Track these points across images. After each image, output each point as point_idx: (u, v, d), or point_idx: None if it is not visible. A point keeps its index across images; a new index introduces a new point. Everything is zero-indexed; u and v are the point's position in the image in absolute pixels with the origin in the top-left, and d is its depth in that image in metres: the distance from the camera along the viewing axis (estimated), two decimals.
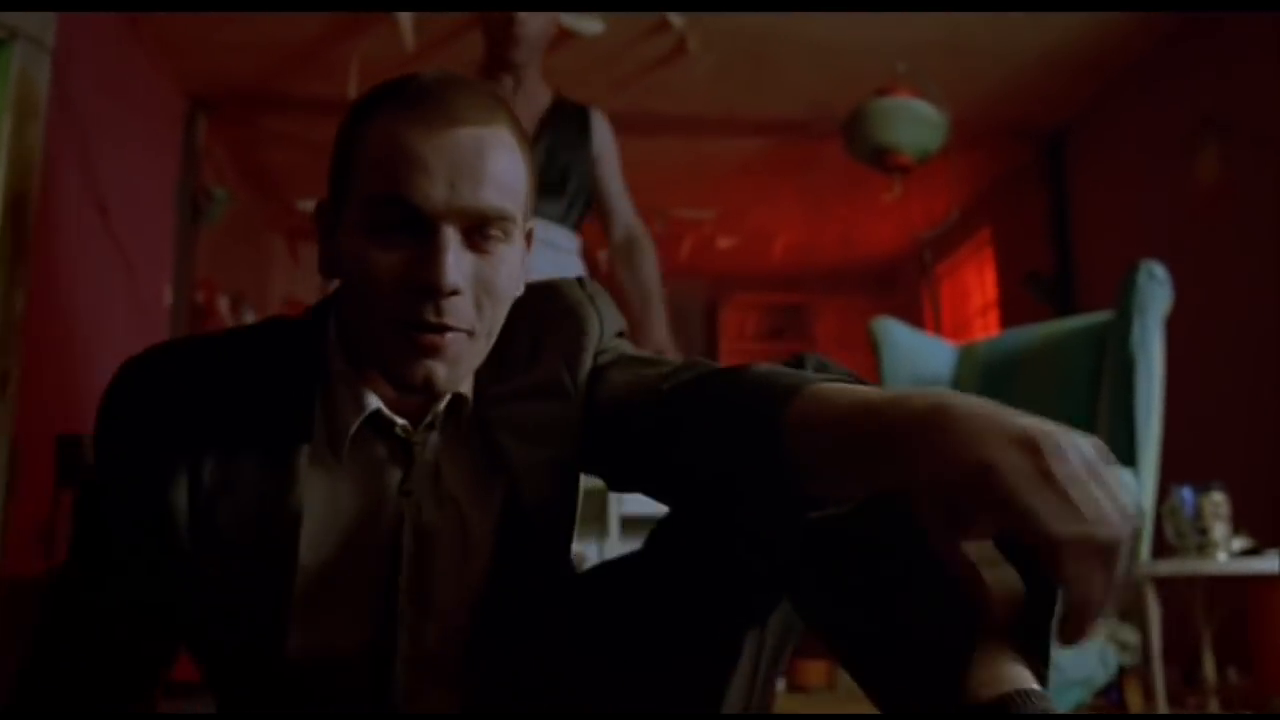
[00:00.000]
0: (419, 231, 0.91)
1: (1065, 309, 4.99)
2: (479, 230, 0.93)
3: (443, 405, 1.00)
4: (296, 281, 6.53)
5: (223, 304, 5.05)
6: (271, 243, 6.43)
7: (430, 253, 0.90)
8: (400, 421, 0.99)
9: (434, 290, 0.90)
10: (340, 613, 0.97)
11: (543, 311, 1.08)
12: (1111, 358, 2.67)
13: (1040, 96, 4.89)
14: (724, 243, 6.69)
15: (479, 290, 0.94)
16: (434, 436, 1.01)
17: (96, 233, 3.92)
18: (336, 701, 0.98)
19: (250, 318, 5.48)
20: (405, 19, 4.02)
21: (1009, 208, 5.76)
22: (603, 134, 2.65)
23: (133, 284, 4.26)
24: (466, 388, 1.02)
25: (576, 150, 2.57)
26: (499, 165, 0.93)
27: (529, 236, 1.02)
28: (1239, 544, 2.61)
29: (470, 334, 0.94)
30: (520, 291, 1.01)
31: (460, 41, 4.24)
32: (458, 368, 0.94)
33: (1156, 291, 2.61)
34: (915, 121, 4.00)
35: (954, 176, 5.36)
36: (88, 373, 3.86)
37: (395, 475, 1.00)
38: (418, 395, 0.96)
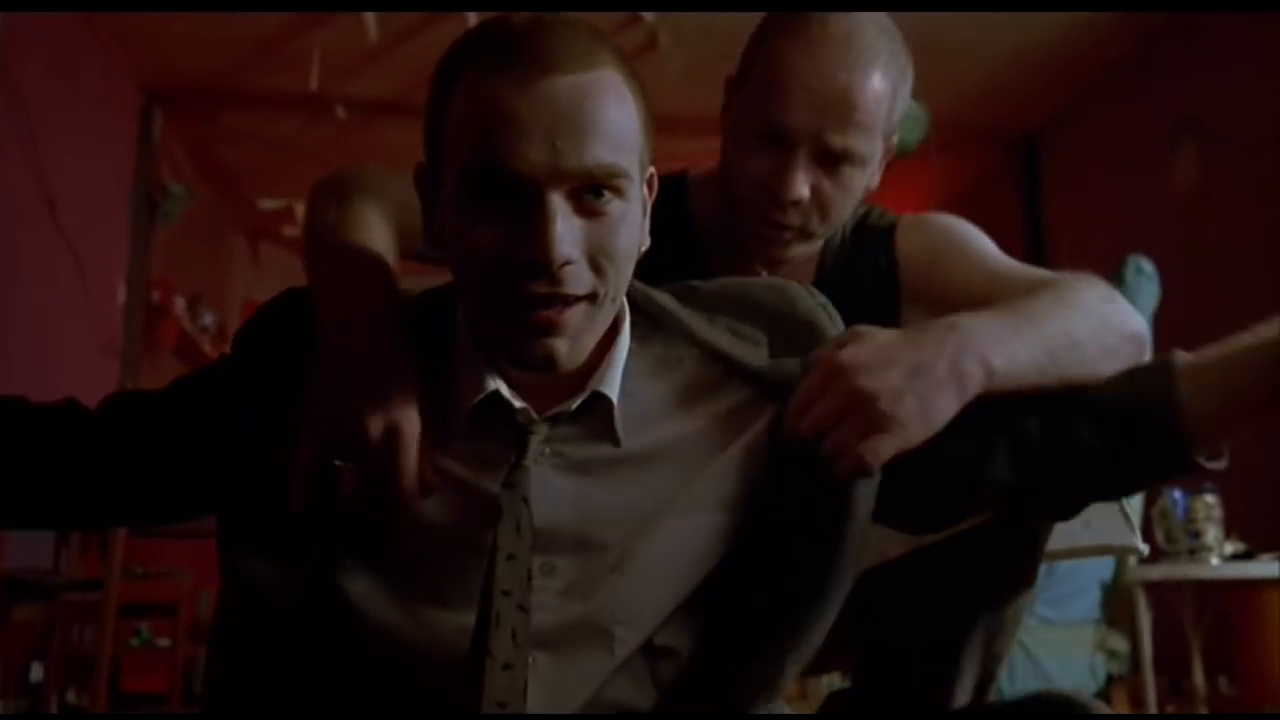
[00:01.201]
0: (522, 200, 0.83)
1: None
2: (589, 190, 0.84)
3: (577, 403, 0.90)
4: (257, 283, 6.39)
5: (179, 304, 4.90)
6: (232, 242, 6.28)
7: (536, 223, 0.82)
8: (519, 405, 0.90)
9: (543, 265, 0.82)
10: (444, 601, 0.89)
11: (776, 314, 0.97)
12: None
13: (1015, 99, 4.85)
14: None
15: (595, 255, 0.85)
16: (565, 429, 0.91)
17: (44, 227, 3.77)
18: (427, 694, 0.89)
19: (208, 319, 5.33)
20: (368, 11, 3.91)
21: (982, 212, 5.69)
22: (912, 245, 1.37)
23: (83, 281, 4.12)
24: (613, 389, 0.90)
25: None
26: (605, 115, 0.84)
27: (651, 183, 0.92)
28: (1230, 548, 2.53)
29: (592, 299, 0.85)
30: (646, 245, 0.91)
31: (426, 34, 4.13)
32: (581, 340, 0.87)
33: (1145, 286, 2.55)
34: None
35: (929, 179, 5.31)
36: (33, 371, 3.71)
37: (507, 467, 0.90)
38: (540, 374, 0.88)
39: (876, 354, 0.89)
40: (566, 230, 0.82)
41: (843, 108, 1.21)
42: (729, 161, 1.30)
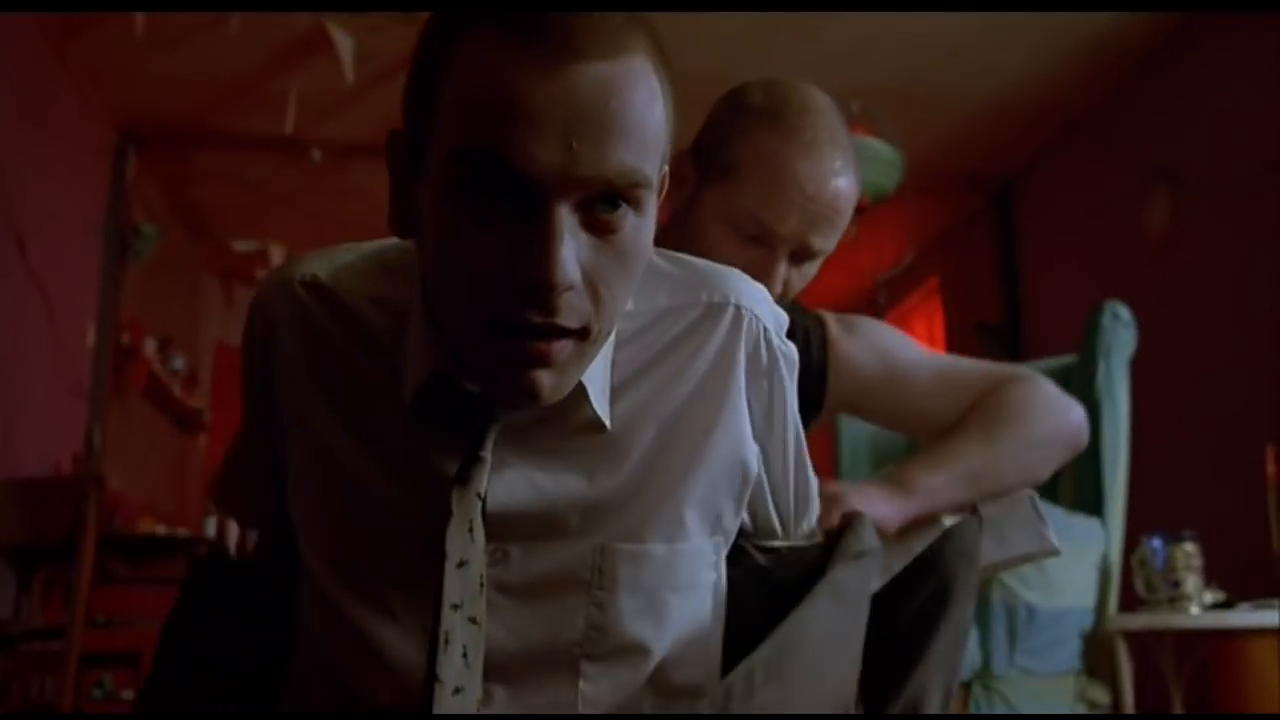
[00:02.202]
0: (523, 204, 0.70)
1: (1013, 358, 4.95)
2: (603, 201, 0.72)
3: None
4: (230, 324, 6.32)
5: (150, 347, 4.84)
6: (204, 283, 6.23)
7: (538, 239, 0.70)
8: (471, 388, 0.80)
9: (541, 288, 0.70)
10: (391, 604, 0.83)
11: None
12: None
13: (990, 145, 4.89)
14: None
15: (596, 283, 0.73)
16: (519, 416, 0.81)
17: (13, 267, 3.72)
18: (388, 685, 0.84)
19: (179, 362, 5.26)
20: (346, 52, 3.90)
21: (957, 256, 5.74)
22: (853, 352, 1.44)
23: (52, 323, 4.06)
24: (589, 375, 0.81)
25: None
26: (633, 113, 0.71)
27: (663, 185, 0.79)
28: (1210, 597, 2.51)
29: (583, 335, 0.75)
30: (647, 257, 0.79)
31: (403, 77, 4.11)
32: (567, 374, 0.76)
33: (1121, 333, 2.54)
34: (871, 160, 3.93)
35: (903, 224, 5.34)
36: (1, 414, 3.64)
37: (458, 456, 0.81)
38: (516, 406, 0.78)
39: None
40: (572, 250, 0.71)
41: (830, 214, 1.31)
42: (699, 243, 1.31)
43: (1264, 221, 3.57)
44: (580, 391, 0.80)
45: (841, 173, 1.32)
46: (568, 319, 0.72)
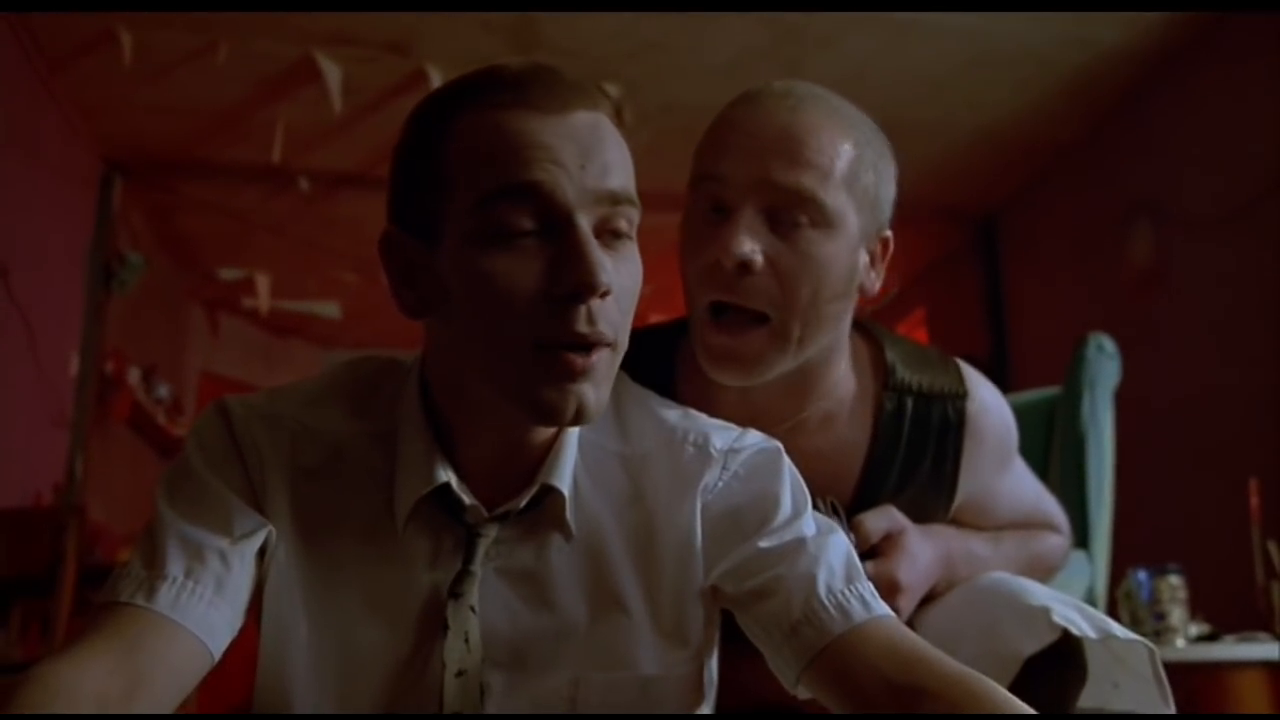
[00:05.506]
0: (550, 229, 0.79)
1: (1000, 391, 4.96)
2: (608, 222, 0.81)
3: (524, 500, 0.85)
4: (215, 354, 6.30)
5: (133, 375, 4.81)
6: (189, 313, 6.21)
7: (573, 249, 0.77)
8: (469, 501, 0.84)
9: (587, 291, 0.77)
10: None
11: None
12: (1061, 434, 2.58)
13: (974, 178, 4.92)
14: (657, 320, 6.61)
15: (616, 291, 0.81)
16: (512, 530, 0.86)
17: None
18: None
19: (163, 391, 5.23)
20: (333, 82, 3.91)
21: (942, 289, 5.77)
22: (984, 424, 1.34)
23: (35, 351, 4.03)
24: (564, 481, 0.86)
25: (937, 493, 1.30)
26: (615, 149, 0.83)
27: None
28: (1195, 629, 2.51)
29: (613, 347, 0.81)
30: (640, 287, 0.87)
31: (389, 107, 4.13)
32: (603, 390, 0.81)
33: (1106, 365, 2.55)
34: None
35: (892, 255, 5.37)
36: None
37: (454, 569, 0.84)
38: (566, 426, 0.83)
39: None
40: (603, 256, 0.79)
41: (788, 144, 1.05)
42: (683, 270, 1.15)
43: (1246, 254, 3.60)
44: (558, 498, 0.85)
45: (798, 109, 1.07)
46: (606, 326, 0.78)
